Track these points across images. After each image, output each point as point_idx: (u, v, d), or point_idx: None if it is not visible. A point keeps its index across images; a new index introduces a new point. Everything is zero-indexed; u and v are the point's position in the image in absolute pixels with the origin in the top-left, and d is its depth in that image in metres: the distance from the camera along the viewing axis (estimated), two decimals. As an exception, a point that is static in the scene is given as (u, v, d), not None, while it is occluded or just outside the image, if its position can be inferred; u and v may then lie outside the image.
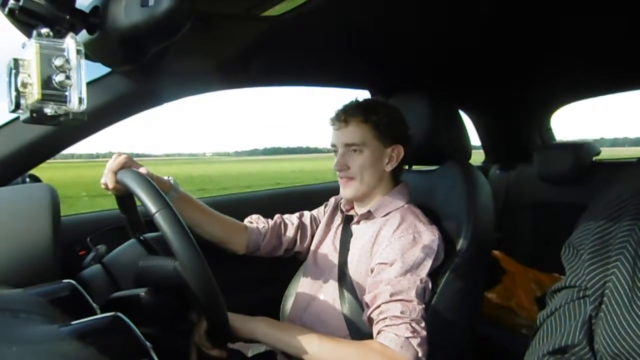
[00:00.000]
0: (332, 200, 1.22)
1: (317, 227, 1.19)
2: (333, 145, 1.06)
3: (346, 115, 1.02)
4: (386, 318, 0.85)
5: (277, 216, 1.20)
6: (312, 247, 1.17)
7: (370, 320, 0.90)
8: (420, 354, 0.82)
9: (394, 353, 0.80)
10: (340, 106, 1.06)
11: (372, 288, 0.91)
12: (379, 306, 0.87)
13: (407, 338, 0.81)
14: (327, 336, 0.86)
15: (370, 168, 1.02)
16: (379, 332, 0.85)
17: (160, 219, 0.68)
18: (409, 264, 0.91)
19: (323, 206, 1.24)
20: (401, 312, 0.84)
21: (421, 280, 0.90)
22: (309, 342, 0.84)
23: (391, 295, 0.86)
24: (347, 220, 1.12)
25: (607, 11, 1.11)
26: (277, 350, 0.91)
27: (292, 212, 1.22)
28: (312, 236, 1.18)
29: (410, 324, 0.83)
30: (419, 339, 0.82)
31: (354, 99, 1.07)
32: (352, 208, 1.12)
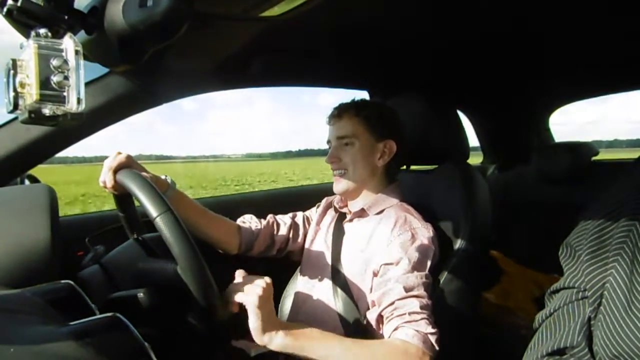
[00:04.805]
0: (324, 201, 1.23)
1: (309, 227, 1.20)
2: (328, 142, 1.10)
3: (340, 110, 1.07)
4: (404, 314, 0.84)
5: (269, 216, 1.20)
6: (305, 246, 1.17)
7: (380, 318, 0.89)
8: (437, 349, 0.82)
9: (417, 349, 0.80)
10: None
11: (379, 287, 0.91)
12: (392, 302, 0.86)
13: (427, 334, 0.81)
14: (345, 339, 0.83)
15: (362, 161, 1.04)
16: (396, 329, 0.84)
17: (161, 223, 0.68)
18: (413, 260, 0.91)
19: (315, 207, 1.24)
20: (420, 308, 0.84)
21: (426, 277, 0.91)
22: (331, 348, 0.80)
23: (406, 291, 0.86)
24: (340, 218, 1.13)
25: (606, 11, 1.11)
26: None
27: (286, 213, 1.23)
28: (305, 236, 1.19)
29: (428, 319, 0.83)
30: (436, 335, 0.82)
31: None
32: (346, 206, 1.13)
